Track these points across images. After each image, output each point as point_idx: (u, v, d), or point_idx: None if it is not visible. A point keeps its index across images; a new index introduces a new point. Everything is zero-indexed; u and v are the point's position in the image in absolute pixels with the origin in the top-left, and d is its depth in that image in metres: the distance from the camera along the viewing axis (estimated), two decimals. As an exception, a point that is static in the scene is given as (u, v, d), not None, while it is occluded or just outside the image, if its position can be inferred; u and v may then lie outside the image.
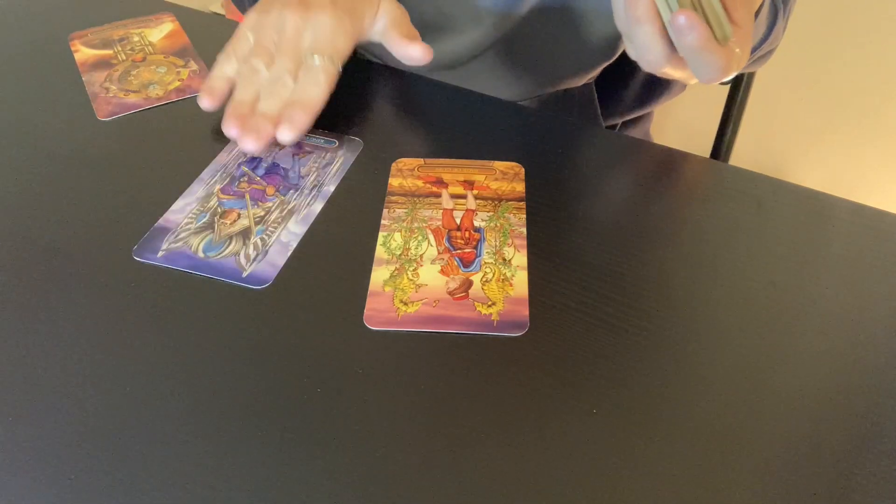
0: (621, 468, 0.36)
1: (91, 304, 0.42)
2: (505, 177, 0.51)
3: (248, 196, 0.48)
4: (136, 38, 0.64)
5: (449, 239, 0.47)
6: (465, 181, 0.51)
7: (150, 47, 0.63)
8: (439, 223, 0.48)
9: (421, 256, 0.45)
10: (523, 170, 0.52)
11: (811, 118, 1.37)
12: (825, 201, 0.51)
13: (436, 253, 0.46)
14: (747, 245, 0.47)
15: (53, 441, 0.36)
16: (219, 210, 0.48)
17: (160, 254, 0.45)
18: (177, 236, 0.46)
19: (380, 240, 0.46)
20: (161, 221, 0.47)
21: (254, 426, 0.37)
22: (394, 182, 0.51)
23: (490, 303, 0.43)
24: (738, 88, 0.87)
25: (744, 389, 0.39)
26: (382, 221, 0.48)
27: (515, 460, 0.36)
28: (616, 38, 0.64)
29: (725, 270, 0.45)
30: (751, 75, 0.85)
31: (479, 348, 0.40)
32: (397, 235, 0.47)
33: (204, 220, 0.47)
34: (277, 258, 0.45)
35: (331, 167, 0.51)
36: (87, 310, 0.42)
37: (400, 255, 0.45)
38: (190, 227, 0.46)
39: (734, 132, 0.90)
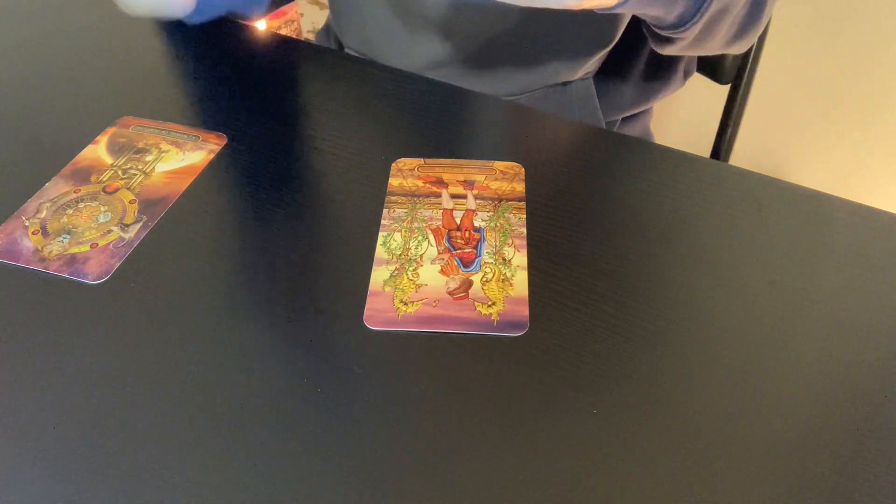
0: (621, 467, 0.36)
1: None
2: (505, 177, 0.51)
3: None
4: (150, 157, 0.51)
5: (449, 239, 0.47)
6: (465, 181, 0.51)
7: (144, 177, 0.50)
8: (439, 223, 0.48)
9: (421, 256, 0.45)
10: (523, 170, 0.52)
11: (811, 118, 1.37)
12: (825, 201, 0.51)
13: (436, 253, 0.46)
14: (747, 245, 0.47)
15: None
16: None
17: None
18: None
19: (380, 240, 0.46)
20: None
21: (253, 426, 0.37)
22: (394, 182, 0.51)
23: (490, 303, 0.43)
24: (739, 88, 0.87)
25: (743, 389, 0.39)
26: (382, 221, 0.48)
27: (516, 460, 0.36)
28: (610, 26, 0.63)
29: (725, 270, 0.45)
30: (751, 75, 0.85)
31: (479, 348, 0.40)
32: (397, 235, 0.47)
33: None
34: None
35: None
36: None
37: (400, 255, 0.45)
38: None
39: (734, 132, 0.89)
